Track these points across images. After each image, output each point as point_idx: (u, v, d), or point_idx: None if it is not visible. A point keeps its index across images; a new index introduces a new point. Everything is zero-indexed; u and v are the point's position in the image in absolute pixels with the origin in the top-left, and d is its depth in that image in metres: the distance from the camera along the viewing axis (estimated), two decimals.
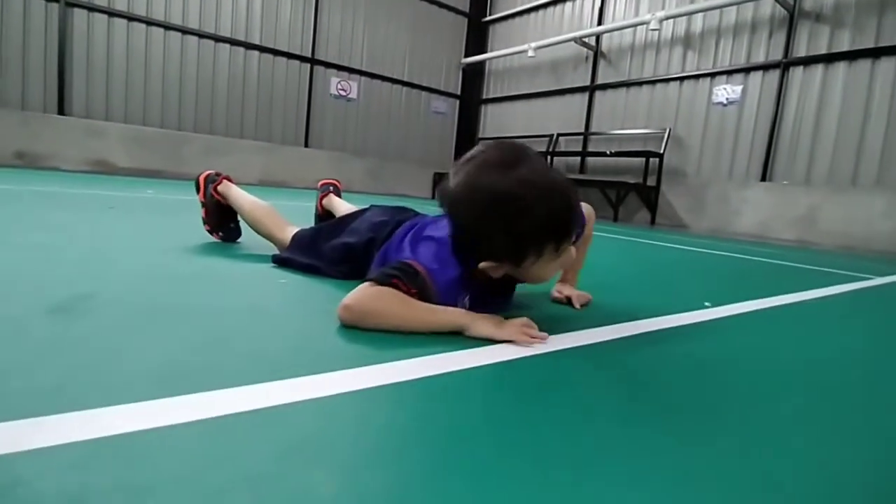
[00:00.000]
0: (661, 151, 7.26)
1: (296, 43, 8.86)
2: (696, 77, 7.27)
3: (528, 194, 0.84)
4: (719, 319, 1.28)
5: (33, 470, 0.40)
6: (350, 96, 9.58)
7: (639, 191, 7.34)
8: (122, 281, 1.08)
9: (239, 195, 1.61)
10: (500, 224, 0.85)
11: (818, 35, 6.16)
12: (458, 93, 10.99)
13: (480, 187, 0.86)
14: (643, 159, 7.39)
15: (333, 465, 0.45)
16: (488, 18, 10.71)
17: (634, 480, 0.47)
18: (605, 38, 8.48)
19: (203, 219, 1.68)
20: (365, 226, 1.27)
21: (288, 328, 0.88)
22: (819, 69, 6.14)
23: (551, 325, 0.96)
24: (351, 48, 9.48)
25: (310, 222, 1.56)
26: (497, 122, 10.46)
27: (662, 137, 7.41)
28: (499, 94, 10.45)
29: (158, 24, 7.62)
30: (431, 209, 1.12)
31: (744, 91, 6.78)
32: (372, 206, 1.40)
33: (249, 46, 8.41)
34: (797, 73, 6.32)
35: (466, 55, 10.76)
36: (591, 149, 8.52)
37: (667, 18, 7.20)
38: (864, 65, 5.79)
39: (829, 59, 6.04)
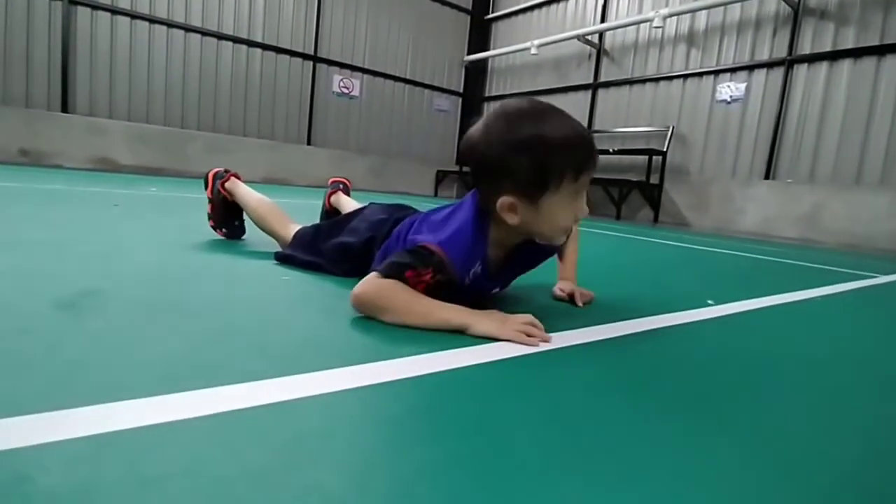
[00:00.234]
0: (665, 149, 7.24)
1: (298, 40, 8.87)
2: (700, 75, 7.24)
3: (548, 114, 0.90)
4: (723, 317, 1.28)
5: (41, 464, 0.40)
6: (352, 94, 9.58)
7: (642, 189, 7.32)
8: (128, 277, 1.08)
9: (245, 192, 1.63)
10: (522, 142, 0.88)
11: (823, 32, 6.13)
12: (461, 90, 10.99)
13: (500, 115, 0.91)
14: (646, 157, 7.39)
15: (338, 460, 0.46)
16: (491, 16, 10.70)
17: (635, 479, 0.47)
18: (608, 36, 8.46)
19: (209, 214, 1.69)
20: (364, 225, 1.28)
21: (292, 325, 0.89)
22: (823, 67, 6.11)
23: (554, 323, 0.96)
24: (353, 46, 9.48)
25: (312, 219, 1.56)
26: None
27: (666, 135, 7.39)
28: (501, 92, 10.44)
29: (161, 22, 7.63)
30: (432, 208, 1.12)
31: (747, 89, 6.76)
32: (371, 203, 1.41)
33: (252, 44, 8.42)
34: (801, 70, 6.30)
35: (469, 53, 10.75)
36: None
37: (670, 16, 7.18)
38: (868, 62, 5.77)
39: (834, 56, 6.01)
